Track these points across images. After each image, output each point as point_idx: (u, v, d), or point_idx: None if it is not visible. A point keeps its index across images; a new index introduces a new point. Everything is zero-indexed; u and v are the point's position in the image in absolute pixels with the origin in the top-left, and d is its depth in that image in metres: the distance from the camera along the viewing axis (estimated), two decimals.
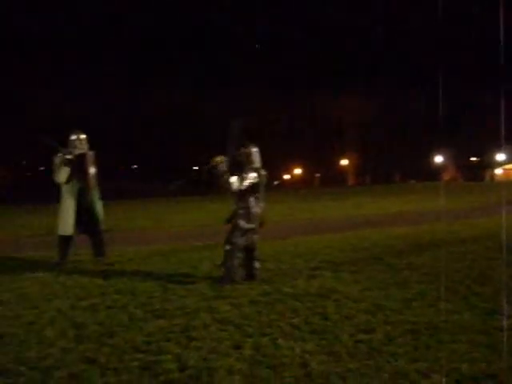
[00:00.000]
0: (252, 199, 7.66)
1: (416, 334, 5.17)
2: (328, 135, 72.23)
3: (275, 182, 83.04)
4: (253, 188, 7.64)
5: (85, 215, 9.27)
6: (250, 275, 7.79)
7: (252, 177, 7.61)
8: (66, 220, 9.16)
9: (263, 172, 7.79)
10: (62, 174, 9.15)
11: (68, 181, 9.20)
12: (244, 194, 7.61)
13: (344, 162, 79.35)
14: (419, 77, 65.08)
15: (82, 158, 9.28)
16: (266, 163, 7.89)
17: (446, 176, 74.25)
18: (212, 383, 4.15)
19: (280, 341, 5.03)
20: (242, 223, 7.62)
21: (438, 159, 70.16)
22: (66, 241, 9.24)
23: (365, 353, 4.70)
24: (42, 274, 8.61)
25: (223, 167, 7.49)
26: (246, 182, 7.56)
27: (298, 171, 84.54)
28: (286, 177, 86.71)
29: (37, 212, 24.86)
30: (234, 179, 7.49)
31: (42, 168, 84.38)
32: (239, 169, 7.67)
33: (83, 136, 9.41)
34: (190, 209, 25.81)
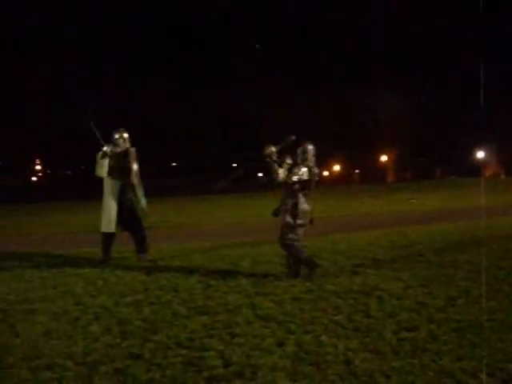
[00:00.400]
0: (301, 195, 7.66)
1: (460, 332, 5.10)
2: (367, 132, 71.68)
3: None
4: (302, 184, 7.64)
5: (126, 213, 9.39)
6: (295, 273, 7.78)
7: (302, 172, 7.63)
8: (108, 217, 9.30)
9: (315, 170, 7.80)
10: (100, 168, 9.33)
11: (110, 175, 9.32)
12: (293, 189, 7.64)
13: (384, 158, 78.67)
14: (458, 72, 64.12)
15: (124, 154, 9.41)
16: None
17: (488, 171, 73.12)
18: (255, 380, 4.16)
19: (323, 338, 5.02)
20: (289, 219, 7.64)
21: (480, 154, 69.08)
22: (108, 238, 9.38)
23: (409, 351, 4.65)
24: (85, 270, 8.75)
25: (275, 157, 7.60)
26: (295, 177, 7.59)
27: (336, 168, 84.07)
28: (325, 173, 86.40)
29: (77, 209, 25.27)
30: (281, 170, 7.59)
31: (82, 166, 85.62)
32: (292, 164, 7.74)
33: (126, 134, 9.56)
34: (229, 206, 25.93)
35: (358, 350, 4.71)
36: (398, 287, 6.92)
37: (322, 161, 79.39)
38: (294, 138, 7.85)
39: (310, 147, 7.85)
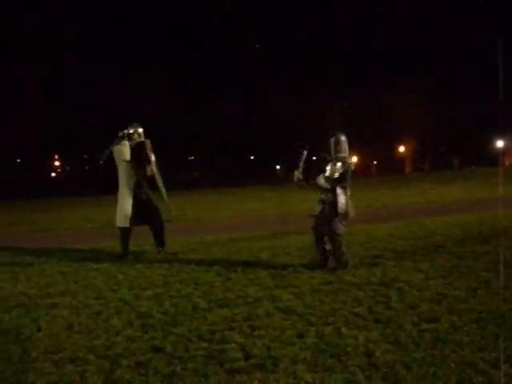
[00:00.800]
0: (338, 188, 7.69)
1: (482, 323, 5.07)
2: (384, 122, 71.28)
3: None
4: (340, 178, 7.68)
5: (142, 206, 9.43)
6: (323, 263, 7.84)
7: (338, 168, 7.66)
8: (124, 212, 9.33)
9: (349, 161, 7.82)
10: (125, 152, 9.37)
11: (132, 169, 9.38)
12: (332, 185, 7.68)
13: (401, 149, 78.25)
14: (476, 61, 63.53)
15: (141, 145, 9.45)
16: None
17: (508, 161, 72.45)
18: (276, 372, 4.16)
19: (343, 330, 5.01)
20: (332, 212, 7.68)
21: (499, 144, 68.43)
22: (125, 233, 9.43)
23: (430, 342, 4.63)
24: (105, 264, 8.81)
25: (302, 178, 7.82)
26: (336, 174, 7.65)
27: (354, 159, 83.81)
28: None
29: (97, 204, 25.43)
30: (321, 181, 7.70)
31: (101, 162, 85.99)
32: (322, 166, 7.81)
33: (140, 129, 9.60)
34: (245, 199, 25.96)
35: (378, 341, 4.70)
36: (418, 278, 6.89)
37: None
38: (307, 147, 7.93)
39: (343, 138, 7.84)
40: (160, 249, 9.52)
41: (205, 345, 4.82)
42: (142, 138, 9.57)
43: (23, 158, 79.62)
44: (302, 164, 7.92)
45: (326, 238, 7.83)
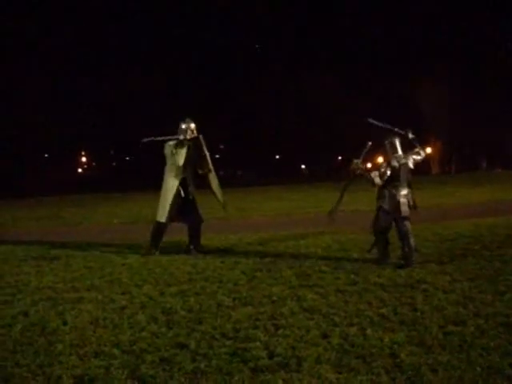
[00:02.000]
0: (391, 188, 8.09)
1: (509, 327, 4.99)
2: (410, 122, 70.69)
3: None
4: (392, 177, 8.05)
5: (185, 205, 9.45)
6: (404, 261, 7.97)
7: (384, 169, 8.08)
8: (165, 208, 9.35)
9: (403, 161, 8.14)
10: (180, 156, 9.34)
11: (184, 167, 9.41)
12: (384, 183, 8.11)
13: (428, 150, 77.53)
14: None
15: (196, 141, 9.47)
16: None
17: None
18: (300, 371, 4.15)
19: (368, 331, 4.98)
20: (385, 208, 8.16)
21: None
22: (160, 228, 9.44)
23: (456, 345, 4.58)
24: (131, 260, 8.86)
25: (361, 167, 8.31)
26: (387, 174, 8.02)
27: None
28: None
29: (123, 200, 25.60)
30: (376, 176, 8.10)
31: (127, 158, 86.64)
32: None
33: (193, 124, 9.58)
34: (273, 198, 25.94)
35: (403, 343, 4.66)
36: (444, 281, 6.82)
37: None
38: (370, 143, 8.34)
39: (396, 140, 8.25)
40: (192, 247, 9.52)
41: (229, 342, 4.83)
42: (195, 134, 9.59)
43: (51, 154, 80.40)
44: (364, 154, 8.38)
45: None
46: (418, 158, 8.35)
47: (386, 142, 8.27)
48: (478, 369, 4.08)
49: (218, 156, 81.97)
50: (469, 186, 29.62)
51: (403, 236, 8.05)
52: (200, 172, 9.59)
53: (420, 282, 6.75)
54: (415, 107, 65.17)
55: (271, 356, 4.47)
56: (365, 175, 8.25)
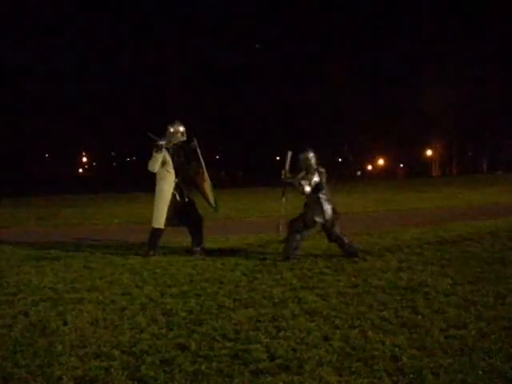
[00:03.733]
0: (321, 196, 8.74)
1: (511, 330, 4.99)
2: (412, 125, 70.71)
3: (358, 173, 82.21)
4: (317, 185, 8.75)
5: (182, 208, 9.43)
6: (349, 254, 8.71)
7: (310, 179, 8.72)
8: (162, 213, 9.30)
9: (322, 169, 8.88)
10: (154, 162, 9.23)
11: (180, 174, 9.41)
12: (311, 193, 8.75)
13: (428, 152, 77.42)
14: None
15: (185, 146, 9.47)
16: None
17: None
18: (302, 374, 4.13)
19: (370, 333, 4.97)
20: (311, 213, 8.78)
21: None
22: (157, 234, 9.42)
23: (457, 349, 4.57)
24: (131, 261, 8.84)
25: (289, 176, 8.98)
26: (315, 181, 8.70)
27: (380, 162, 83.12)
28: (369, 168, 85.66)
29: (124, 201, 25.58)
30: (305, 185, 8.72)
31: (128, 159, 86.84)
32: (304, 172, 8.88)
33: (182, 128, 9.50)
34: (273, 199, 25.89)
35: (405, 346, 4.65)
36: (445, 284, 6.82)
37: (365, 154, 78.42)
38: (291, 153, 9.03)
39: (311, 154, 8.89)
40: (197, 248, 9.49)
41: (229, 344, 4.81)
42: (185, 137, 9.53)
43: (51, 154, 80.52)
44: (288, 164, 8.98)
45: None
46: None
47: (302, 156, 8.91)
48: (480, 372, 4.08)
49: (218, 157, 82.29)
50: (470, 188, 29.60)
51: (336, 238, 8.79)
52: (192, 175, 9.58)
53: (421, 285, 6.75)
54: (417, 108, 65.29)
55: (272, 358, 4.46)
56: (295, 184, 8.83)
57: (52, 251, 9.99)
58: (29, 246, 10.69)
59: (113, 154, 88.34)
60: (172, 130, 9.44)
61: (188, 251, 9.51)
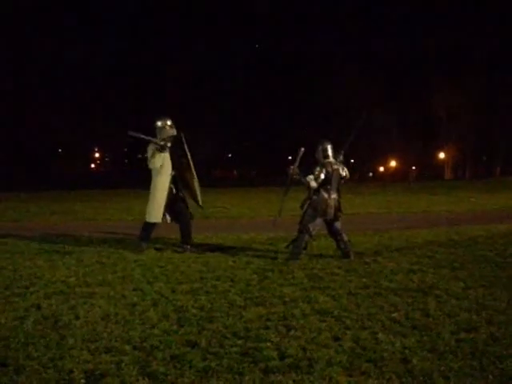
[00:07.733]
0: (322, 190, 8.72)
1: None
2: (425, 127, 70.45)
3: (370, 174, 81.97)
4: (324, 181, 8.72)
5: (175, 204, 9.48)
6: (344, 253, 8.81)
7: (318, 172, 8.72)
8: (157, 208, 9.35)
9: (335, 166, 8.84)
10: (157, 160, 9.26)
11: (169, 167, 9.40)
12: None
13: (441, 155, 76.99)
14: None
15: (178, 141, 9.46)
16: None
17: None
18: (311, 373, 4.14)
19: (380, 335, 4.96)
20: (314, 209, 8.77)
21: None
22: (152, 228, 9.52)
23: (468, 352, 4.55)
24: (143, 257, 8.88)
25: (297, 172, 8.94)
26: (322, 178, 8.68)
27: (393, 164, 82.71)
28: (381, 169, 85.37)
29: (136, 196, 25.64)
30: (312, 180, 8.71)
31: (139, 156, 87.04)
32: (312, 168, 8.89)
33: (169, 121, 9.50)
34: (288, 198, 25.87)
35: (415, 348, 4.64)
36: (457, 287, 6.79)
37: (378, 156, 78.06)
38: (303, 149, 9.06)
39: (329, 146, 8.91)
40: (185, 246, 9.52)
41: (240, 342, 4.82)
42: (174, 130, 9.52)
43: (64, 149, 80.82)
44: (298, 160, 9.03)
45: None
46: (345, 174, 8.99)
47: (319, 147, 8.88)
48: (490, 376, 4.07)
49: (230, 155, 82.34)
50: (483, 192, 29.46)
51: (336, 231, 8.89)
52: (178, 170, 9.59)
53: (432, 288, 6.72)
54: (431, 111, 64.99)
55: (282, 357, 4.46)
56: (301, 179, 8.84)
57: (65, 245, 10.04)
58: (42, 240, 10.74)
59: (125, 149, 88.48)
60: (160, 124, 9.45)
61: (181, 249, 9.54)
